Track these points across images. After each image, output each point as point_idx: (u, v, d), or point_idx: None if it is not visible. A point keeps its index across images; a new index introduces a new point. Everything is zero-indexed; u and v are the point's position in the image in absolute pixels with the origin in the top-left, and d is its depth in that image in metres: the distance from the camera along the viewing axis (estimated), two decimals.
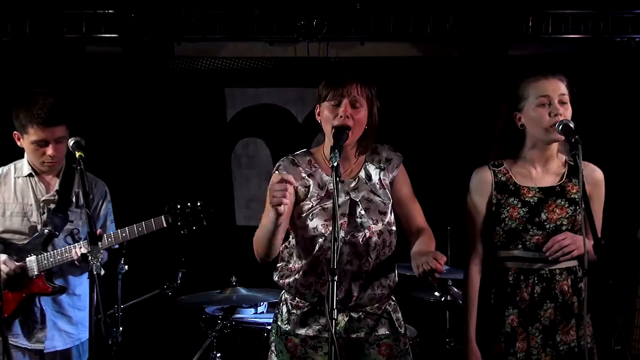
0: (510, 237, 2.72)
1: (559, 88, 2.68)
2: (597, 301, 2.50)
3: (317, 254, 2.65)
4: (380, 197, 2.70)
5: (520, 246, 2.70)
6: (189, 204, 3.17)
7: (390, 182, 2.74)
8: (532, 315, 2.67)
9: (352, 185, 2.71)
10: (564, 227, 2.67)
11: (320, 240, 2.65)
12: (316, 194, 2.68)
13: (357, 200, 2.68)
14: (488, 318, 2.74)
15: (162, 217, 3.16)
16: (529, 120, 2.73)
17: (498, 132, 2.87)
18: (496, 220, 2.75)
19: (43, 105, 3.12)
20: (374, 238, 2.66)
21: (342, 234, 2.63)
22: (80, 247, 3.12)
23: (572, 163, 2.75)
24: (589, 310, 2.65)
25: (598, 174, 2.78)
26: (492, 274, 2.77)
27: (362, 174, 2.73)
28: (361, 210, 2.66)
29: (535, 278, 2.68)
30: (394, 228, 2.74)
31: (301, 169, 2.73)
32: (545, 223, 2.68)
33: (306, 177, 2.71)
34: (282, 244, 2.77)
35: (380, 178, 2.73)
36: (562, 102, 2.67)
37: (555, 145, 2.73)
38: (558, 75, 2.72)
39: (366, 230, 2.65)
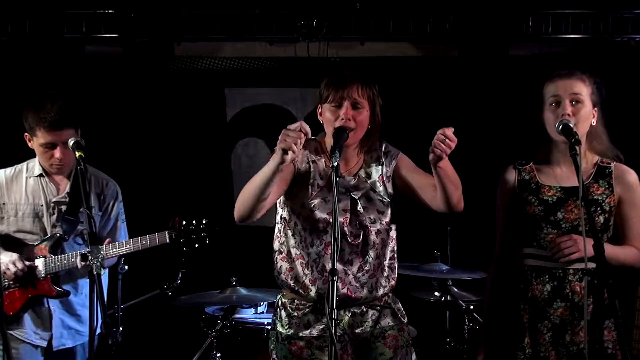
0: (526, 235, 2.73)
1: (571, 87, 2.66)
2: (616, 305, 2.48)
3: (319, 248, 2.66)
4: (380, 195, 2.71)
5: (535, 244, 2.71)
6: (193, 221, 3.16)
7: (392, 174, 2.74)
8: (541, 312, 2.68)
9: (352, 183, 2.71)
10: (580, 228, 2.62)
11: (323, 234, 2.66)
12: (317, 183, 2.69)
13: (357, 198, 2.68)
14: (501, 312, 2.77)
15: (166, 232, 3.15)
16: (545, 120, 2.73)
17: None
18: (516, 218, 2.76)
19: (51, 109, 3.12)
20: (372, 237, 2.68)
21: (344, 229, 2.64)
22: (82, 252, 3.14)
23: (602, 164, 2.74)
24: (602, 314, 2.62)
25: (631, 176, 2.73)
26: (510, 270, 2.79)
27: (362, 172, 2.73)
28: (360, 208, 2.67)
29: (547, 276, 2.68)
30: (393, 228, 2.74)
31: (308, 152, 2.73)
32: (562, 222, 2.68)
33: (310, 162, 2.72)
34: (277, 241, 2.76)
35: (381, 174, 2.73)
36: (575, 102, 2.65)
37: (582, 146, 2.63)
38: (578, 74, 2.70)
39: (365, 229, 2.66)
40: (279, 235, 2.76)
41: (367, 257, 2.67)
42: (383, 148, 2.78)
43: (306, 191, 2.68)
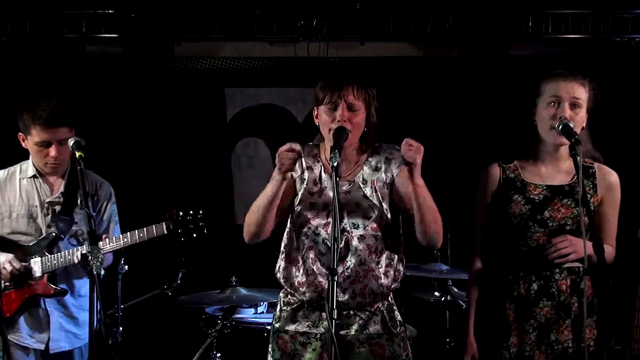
0: (512, 234, 2.71)
1: (573, 90, 2.65)
2: (601, 304, 2.50)
3: (302, 251, 2.66)
4: (370, 200, 2.67)
5: (521, 242, 2.70)
6: (190, 211, 3.16)
7: (389, 182, 2.69)
8: (527, 311, 2.67)
9: (345, 187, 2.69)
10: (567, 227, 2.65)
11: (303, 238, 2.66)
12: (309, 188, 2.69)
13: (345, 202, 2.65)
14: (486, 311, 2.76)
15: (164, 223, 3.15)
16: (538, 117, 2.72)
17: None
18: (501, 216, 2.75)
19: (46, 107, 3.12)
20: (354, 242, 2.63)
21: (324, 234, 2.63)
22: (81, 251, 3.14)
23: (585, 164, 2.73)
24: (593, 313, 2.65)
25: (612, 177, 2.75)
26: (494, 269, 2.77)
27: (359, 177, 2.71)
28: (345, 213, 2.65)
29: (534, 275, 2.67)
30: (392, 234, 2.69)
31: (304, 159, 2.73)
32: (549, 221, 2.67)
33: (305, 168, 2.72)
34: (282, 241, 2.77)
35: (373, 180, 2.69)
36: (574, 105, 2.64)
37: (567, 145, 2.64)
38: (579, 77, 2.69)
39: (347, 234, 2.64)
40: (285, 236, 2.78)
41: (349, 262, 2.63)
42: (386, 154, 2.73)
43: (298, 194, 2.70)
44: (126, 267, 3.58)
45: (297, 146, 2.54)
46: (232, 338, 3.95)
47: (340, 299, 2.60)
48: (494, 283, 2.75)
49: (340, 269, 2.62)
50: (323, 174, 2.71)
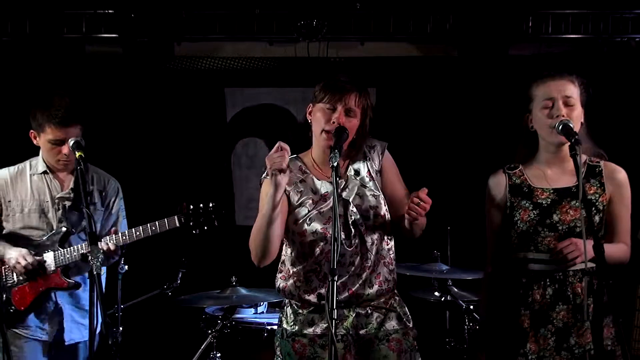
0: (522, 240, 2.70)
1: (564, 89, 2.65)
2: (614, 303, 2.49)
3: (319, 258, 2.65)
4: (371, 189, 2.70)
5: (532, 248, 2.68)
6: (201, 204, 3.24)
7: (378, 170, 2.74)
8: (543, 316, 2.65)
9: (342, 185, 2.70)
10: (577, 229, 2.62)
11: (322, 243, 2.64)
12: (311, 200, 2.68)
13: (349, 199, 2.67)
14: (501, 319, 2.74)
15: (175, 217, 3.23)
16: (535, 121, 2.72)
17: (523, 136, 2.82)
18: (510, 223, 2.74)
19: (60, 106, 3.20)
20: (369, 234, 2.66)
21: (341, 234, 2.62)
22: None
23: (591, 163, 2.72)
24: (602, 313, 2.62)
25: (620, 174, 2.72)
26: (507, 275, 2.76)
27: (350, 171, 2.73)
28: (353, 208, 2.66)
29: (548, 280, 2.66)
30: (387, 219, 2.72)
31: (293, 174, 2.72)
32: (558, 225, 2.66)
33: (298, 183, 2.72)
34: (279, 251, 2.75)
35: (368, 170, 2.73)
36: (567, 104, 2.64)
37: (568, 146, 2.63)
38: (567, 76, 2.69)
39: (360, 227, 2.65)
40: (290, 252, 2.74)
41: (369, 254, 2.66)
42: (368, 142, 2.77)
43: (299, 208, 2.68)
44: (126, 267, 3.59)
45: (284, 145, 2.52)
46: (232, 338, 3.95)
47: (363, 292, 2.65)
48: (507, 290, 2.74)
49: (359, 264, 2.65)
50: (317, 181, 2.71)
